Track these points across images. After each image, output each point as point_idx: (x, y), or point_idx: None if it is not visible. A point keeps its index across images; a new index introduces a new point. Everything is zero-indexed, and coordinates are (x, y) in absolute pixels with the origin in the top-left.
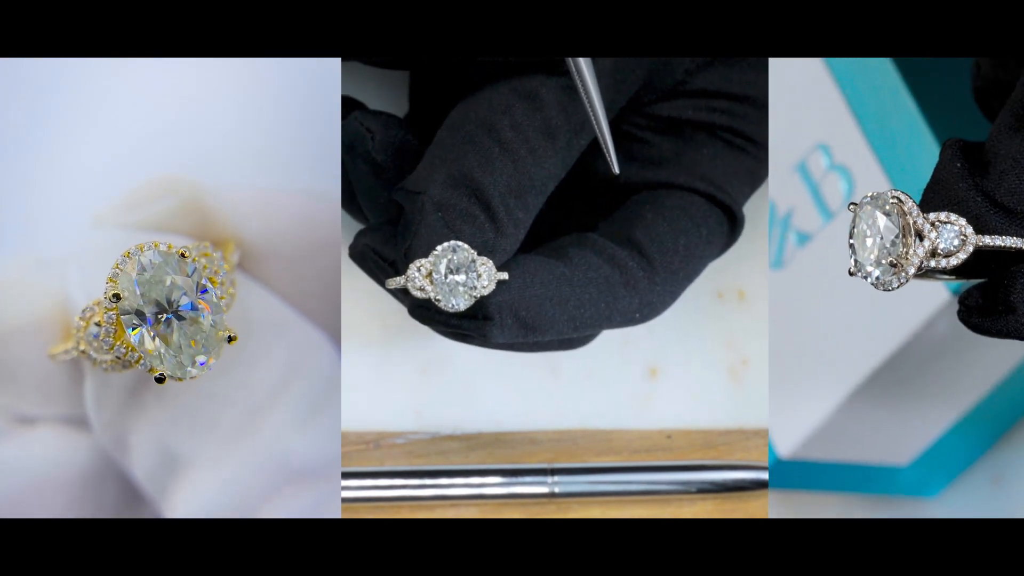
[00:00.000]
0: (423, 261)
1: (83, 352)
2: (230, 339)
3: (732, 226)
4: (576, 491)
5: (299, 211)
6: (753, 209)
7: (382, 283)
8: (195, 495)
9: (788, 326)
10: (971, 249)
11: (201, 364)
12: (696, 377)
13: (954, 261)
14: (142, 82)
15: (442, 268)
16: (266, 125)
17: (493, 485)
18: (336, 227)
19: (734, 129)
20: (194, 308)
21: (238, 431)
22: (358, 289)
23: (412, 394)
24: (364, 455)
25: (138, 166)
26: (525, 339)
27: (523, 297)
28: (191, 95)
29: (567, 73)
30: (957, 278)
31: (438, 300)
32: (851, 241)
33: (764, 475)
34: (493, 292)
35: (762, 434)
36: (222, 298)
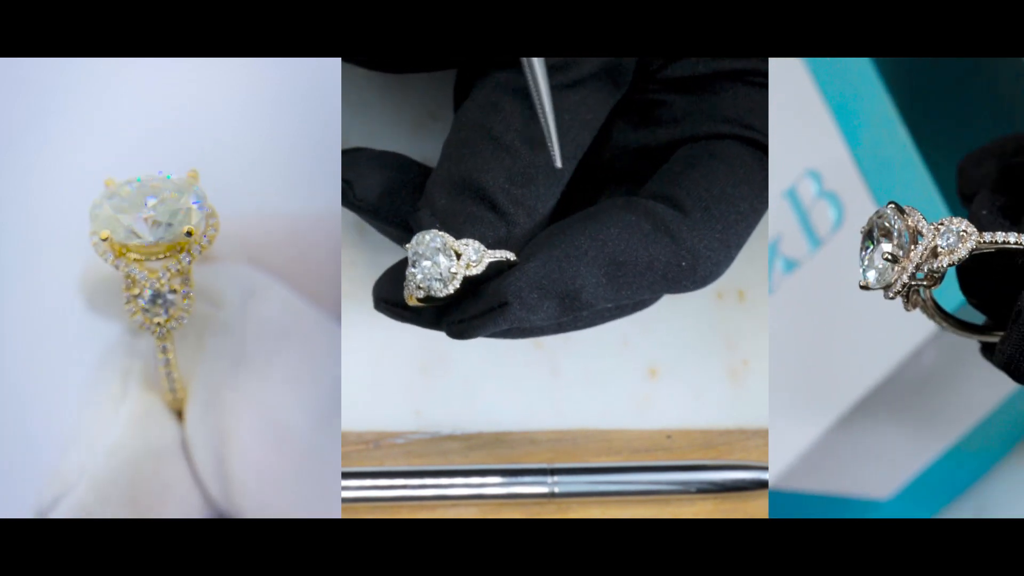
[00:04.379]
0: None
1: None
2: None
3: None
4: (576, 491)
5: (299, 213)
6: None
7: (415, 323)
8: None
9: (773, 353)
10: (972, 245)
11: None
12: (696, 377)
13: (955, 257)
14: (142, 82)
15: (417, 256)
16: (266, 125)
17: (493, 485)
18: (336, 228)
19: (747, 70)
20: None
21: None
22: (358, 290)
23: (412, 394)
24: (364, 455)
25: (138, 166)
26: (565, 309)
27: (539, 267)
28: (191, 95)
29: (545, 63)
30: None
31: (422, 288)
32: (862, 263)
33: (764, 475)
34: (506, 278)
35: (762, 434)
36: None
